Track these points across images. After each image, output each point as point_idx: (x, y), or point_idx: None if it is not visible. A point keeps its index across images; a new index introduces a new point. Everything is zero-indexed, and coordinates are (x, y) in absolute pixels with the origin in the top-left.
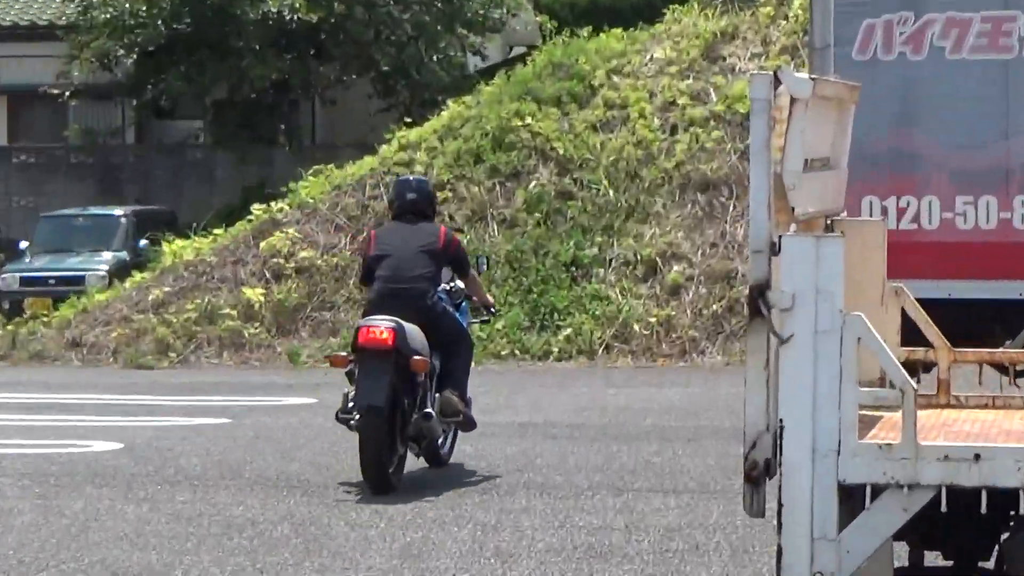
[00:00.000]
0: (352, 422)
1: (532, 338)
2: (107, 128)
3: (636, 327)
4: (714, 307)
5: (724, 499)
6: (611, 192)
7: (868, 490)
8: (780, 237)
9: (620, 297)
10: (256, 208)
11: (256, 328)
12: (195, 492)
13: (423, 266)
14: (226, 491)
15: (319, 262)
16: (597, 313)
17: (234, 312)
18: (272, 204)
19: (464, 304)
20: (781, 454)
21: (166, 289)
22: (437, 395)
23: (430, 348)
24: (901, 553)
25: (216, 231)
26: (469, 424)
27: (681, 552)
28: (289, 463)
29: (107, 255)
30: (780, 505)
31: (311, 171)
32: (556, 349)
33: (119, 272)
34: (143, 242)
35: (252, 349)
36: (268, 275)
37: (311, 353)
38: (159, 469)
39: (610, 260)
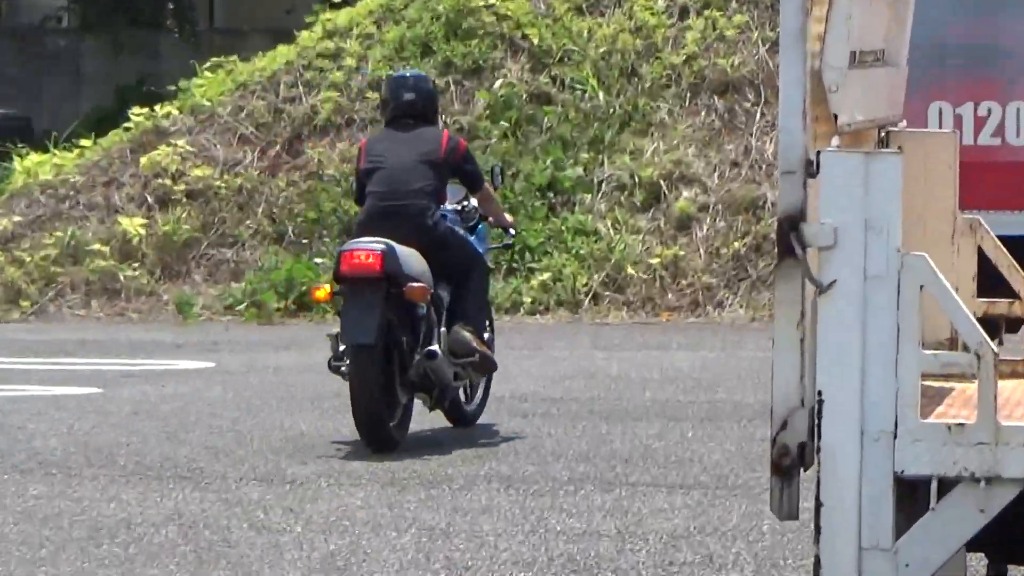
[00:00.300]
0: (344, 368)
1: (496, 285)
2: None
3: (633, 271)
4: (735, 245)
5: (746, 497)
6: (601, 95)
7: (934, 485)
8: (819, 154)
9: (612, 232)
10: (135, 113)
11: (135, 270)
12: (53, 484)
13: (421, 179)
14: (94, 483)
15: (218, 184)
16: (582, 252)
17: (106, 249)
18: (156, 108)
19: (481, 227)
20: (820, 437)
21: (16, 219)
22: (445, 331)
23: (437, 279)
24: (978, 567)
25: (83, 143)
26: (487, 365)
27: (690, 566)
28: (177, 447)
29: None
30: (818, 504)
31: (207, 65)
32: (528, 299)
33: None
34: None
35: (130, 297)
36: (151, 201)
37: (207, 303)
38: (6, 454)
39: (599, 183)
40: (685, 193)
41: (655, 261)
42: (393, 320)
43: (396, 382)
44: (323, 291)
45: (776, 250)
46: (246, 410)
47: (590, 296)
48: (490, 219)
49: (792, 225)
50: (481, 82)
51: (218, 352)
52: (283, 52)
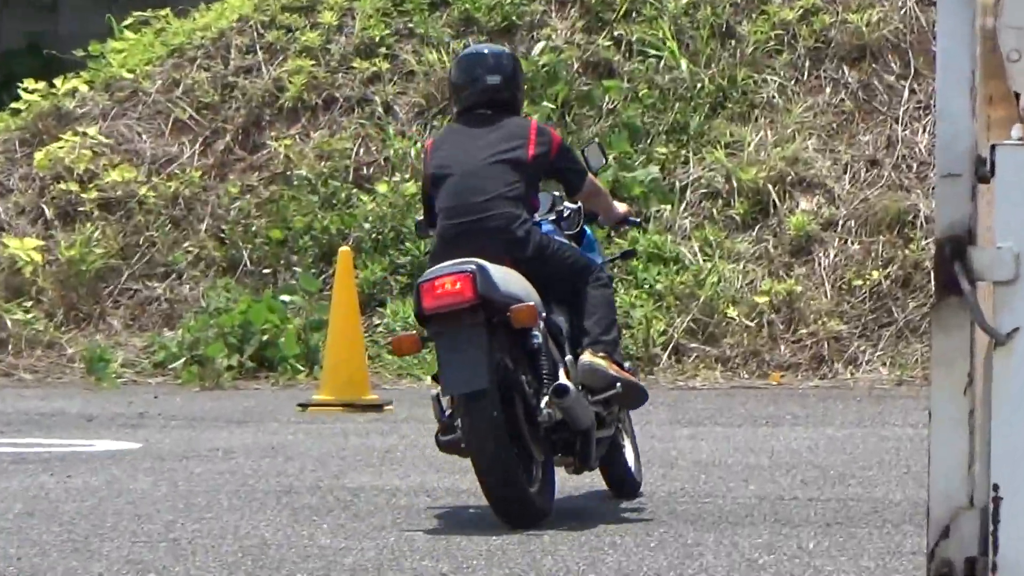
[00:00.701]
0: (459, 435)
1: None
2: None
3: (730, 314)
4: (873, 277)
5: None
6: (684, 64)
7: None
8: (993, 148)
9: (701, 259)
10: (26, 89)
11: (28, 312)
12: None
13: (502, 183)
14: None
15: (144, 191)
16: (658, 287)
17: None
18: (56, 82)
19: (588, 233)
20: (996, 551)
21: None
22: (572, 359)
23: (547, 302)
24: None
25: None
26: (635, 394)
27: None
28: (88, 561)
29: None
30: None
31: (128, 22)
32: None
33: None
34: None
35: (21, 349)
36: (50, 214)
37: (130, 359)
38: None
39: (682, 189)
40: (803, 204)
41: (761, 300)
42: (505, 358)
43: (526, 435)
44: (409, 340)
45: (933, 285)
46: (185, 510)
47: (670, 349)
48: (600, 218)
49: (956, 250)
50: (515, 46)
51: (145, 428)
52: (234, 4)
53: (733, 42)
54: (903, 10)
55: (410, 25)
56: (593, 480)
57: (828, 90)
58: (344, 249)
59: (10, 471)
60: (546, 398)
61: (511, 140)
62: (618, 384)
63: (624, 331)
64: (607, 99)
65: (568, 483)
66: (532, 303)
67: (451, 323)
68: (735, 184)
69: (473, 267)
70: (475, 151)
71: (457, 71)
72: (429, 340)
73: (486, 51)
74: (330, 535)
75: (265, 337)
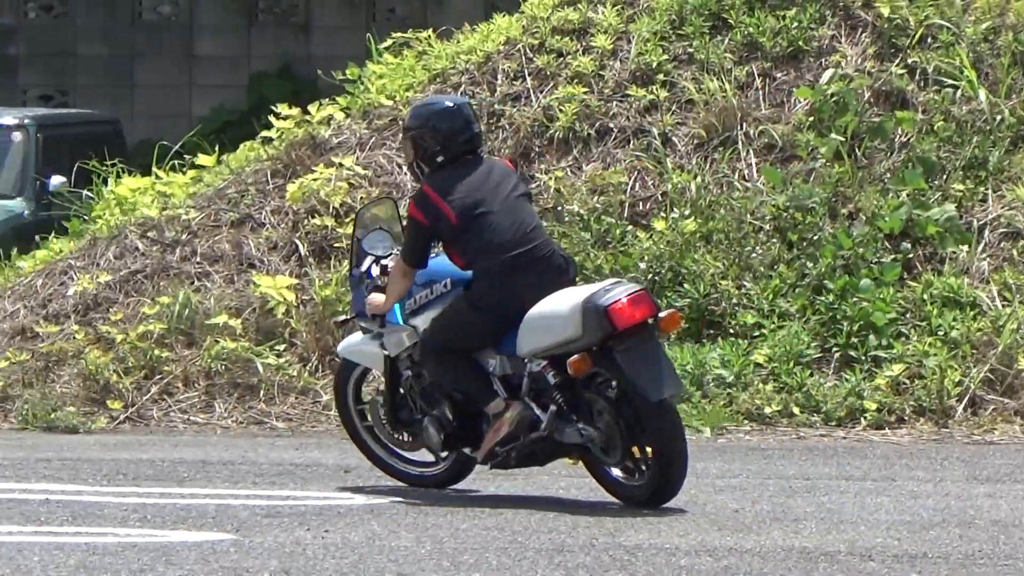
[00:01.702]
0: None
1: (820, 383)
2: None
3: None
4: None
5: None
6: (982, 94)
7: None
8: None
9: (1000, 304)
10: (280, 116)
11: (280, 356)
12: None
13: (531, 216)
14: None
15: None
16: (954, 335)
17: (236, 323)
18: (311, 108)
19: None
20: None
21: (103, 277)
22: None
23: None
24: None
25: (201, 160)
26: None
27: None
28: None
29: None
30: None
31: (387, 44)
32: (872, 405)
33: (9, 238)
34: (56, 180)
35: (273, 396)
36: (304, 250)
37: None
38: None
39: (980, 229)
40: None
41: None
42: None
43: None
44: (584, 360)
45: None
46: (451, 569)
47: (966, 400)
48: None
49: None
50: (801, 73)
51: None
52: (501, 26)
53: None
54: None
55: (689, 50)
56: None
57: None
58: None
59: (264, 525)
60: None
61: (510, 178)
62: None
63: (916, 381)
64: (900, 132)
65: None
66: (674, 310)
67: (639, 335)
68: None
69: (641, 286)
70: (494, 190)
71: (448, 120)
72: (619, 353)
73: (459, 102)
74: None
75: None
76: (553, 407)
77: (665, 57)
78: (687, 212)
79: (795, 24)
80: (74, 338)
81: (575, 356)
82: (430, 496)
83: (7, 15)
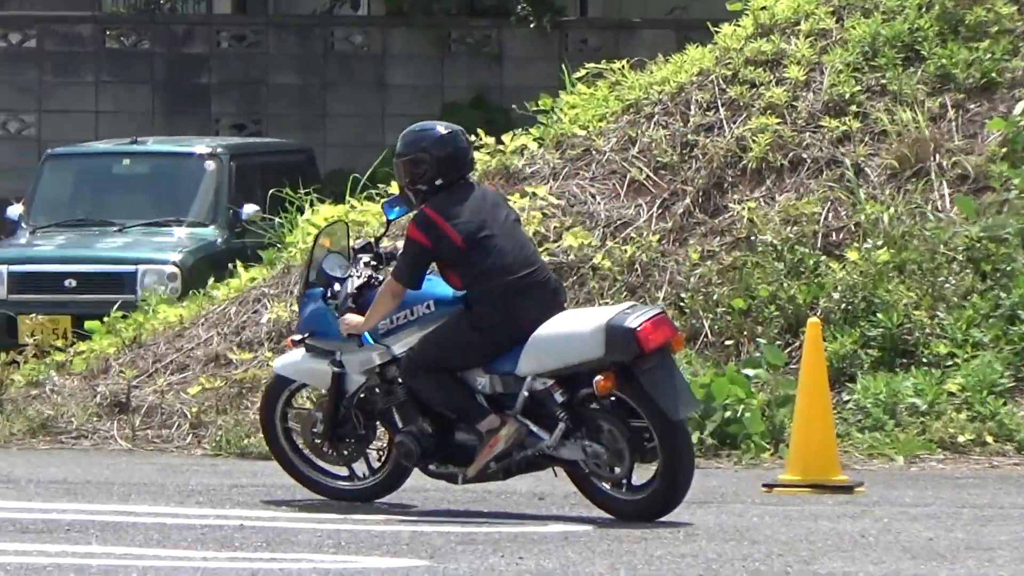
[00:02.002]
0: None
1: (1014, 412)
2: None
3: None
4: None
5: None
6: None
7: None
8: None
9: None
10: (472, 146)
11: None
12: None
13: (528, 240)
14: None
15: (599, 256)
16: None
17: None
18: (504, 138)
19: None
20: None
21: (297, 305)
22: None
23: None
24: None
25: (395, 190)
26: None
27: None
28: None
29: (179, 234)
30: None
31: (580, 74)
32: None
33: (203, 266)
34: (249, 209)
35: None
36: None
37: None
38: None
39: None
40: None
41: None
42: None
43: None
44: (610, 379)
45: None
46: None
47: None
48: None
49: None
50: (995, 104)
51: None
52: (694, 57)
53: None
54: None
55: (882, 81)
56: None
57: None
58: (813, 320)
59: (458, 552)
60: None
61: (502, 203)
62: None
63: None
64: None
65: None
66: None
67: (658, 356)
68: None
69: (661, 309)
70: (492, 213)
71: (451, 146)
72: (645, 371)
73: (450, 128)
74: None
75: (728, 413)
76: (562, 425)
77: (858, 88)
78: (880, 242)
79: (988, 56)
80: (267, 365)
81: (602, 376)
82: (624, 523)
83: (200, 45)
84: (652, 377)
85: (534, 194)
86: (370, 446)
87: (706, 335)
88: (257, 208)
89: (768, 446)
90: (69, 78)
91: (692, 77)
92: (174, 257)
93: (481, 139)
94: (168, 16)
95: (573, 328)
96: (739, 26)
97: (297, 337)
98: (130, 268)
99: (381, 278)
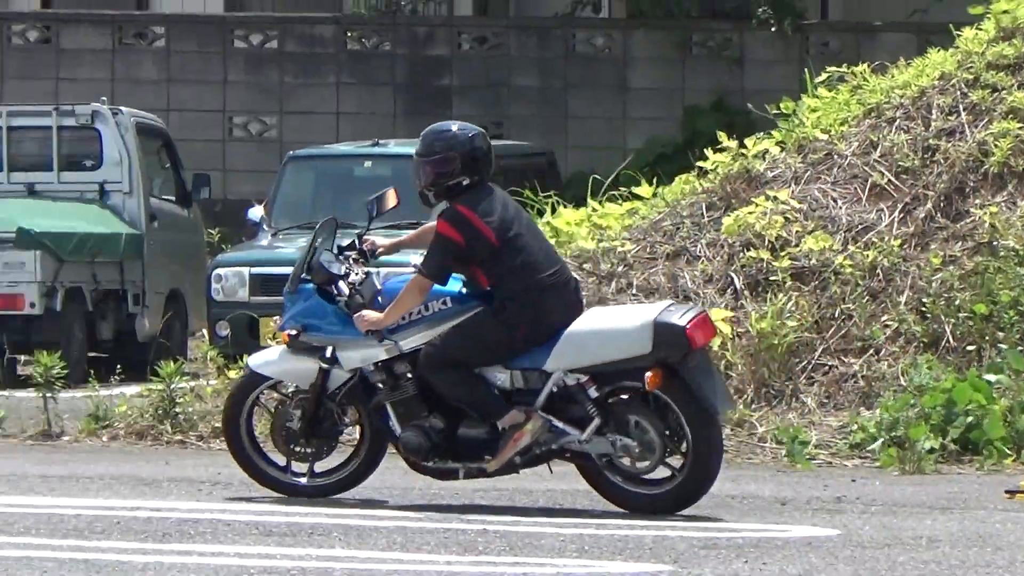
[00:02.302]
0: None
1: None
2: None
3: None
4: None
5: None
6: None
7: None
8: None
9: None
10: (714, 149)
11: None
12: None
13: (550, 244)
14: None
15: (841, 260)
16: None
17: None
18: (746, 142)
19: None
20: None
21: None
22: None
23: None
24: None
25: (637, 191)
26: None
27: None
28: None
29: None
30: None
31: (822, 78)
32: None
33: None
34: None
35: None
36: (739, 284)
37: (824, 438)
38: None
39: None
40: None
41: None
42: None
43: None
44: (658, 375)
45: None
46: None
47: None
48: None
49: None
50: None
51: (843, 513)
52: (935, 60)
53: None
54: None
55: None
56: None
57: None
58: None
59: (701, 557)
60: None
61: (514, 203)
62: None
63: None
64: None
65: None
66: None
67: (702, 354)
68: None
69: (702, 308)
70: (516, 213)
71: (479, 147)
72: (694, 368)
73: (472, 128)
74: None
75: (970, 419)
76: (597, 420)
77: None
78: None
79: None
80: None
81: (651, 371)
82: (867, 528)
83: (441, 47)
84: (695, 373)
85: (775, 198)
86: (338, 443)
87: (947, 340)
88: None
89: (1010, 452)
90: (310, 80)
91: (933, 81)
92: (414, 259)
93: (723, 142)
94: (409, 18)
95: (616, 324)
96: (981, 30)
97: (293, 332)
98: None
99: (373, 275)
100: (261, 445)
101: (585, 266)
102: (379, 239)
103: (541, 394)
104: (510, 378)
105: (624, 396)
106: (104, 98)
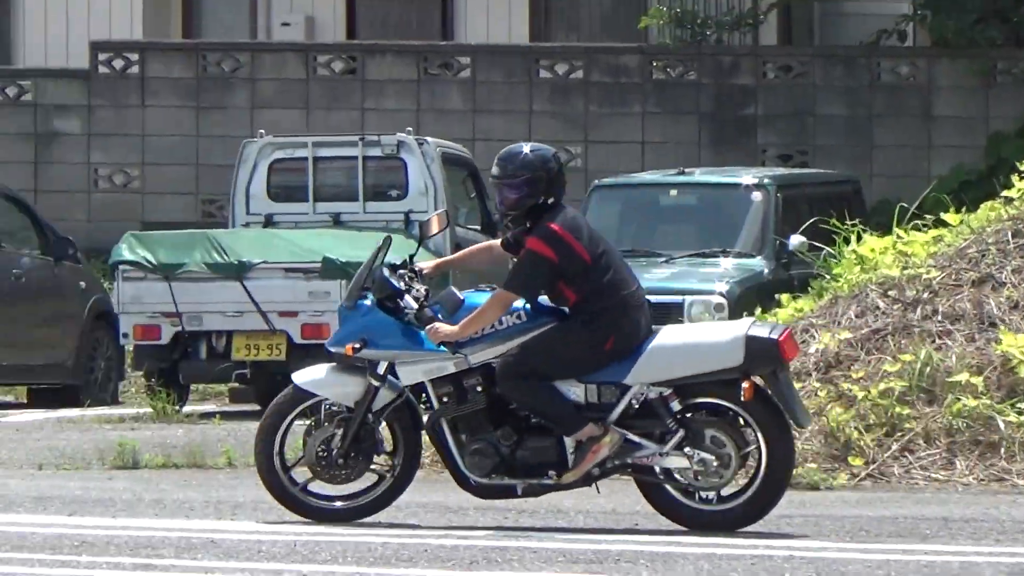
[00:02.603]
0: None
1: None
2: (720, 12)
3: None
4: None
5: None
6: None
7: None
8: None
9: None
10: (1021, 178)
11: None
12: None
13: None
14: None
15: None
16: None
17: (978, 381)
18: None
19: None
20: None
21: (843, 335)
22: None
23: None
24: None
25: (944, 219)
26: None
27: None
28: None
29: (725, 264)
30: None
31: None
32: None
33: (749, 296)
34: (796, 240)
35: (1014, 454)
36: None
37: None
38: None
39: None
40: None
41: None
42: None
43: None
44: (752, 386)
45: None
46: None
47: None
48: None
49: None
50: None
51: None
52: None
53: None
54: None
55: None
56: None
57: None
58: None
59: None
60: None
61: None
62: None
63: None
64: None
65: None
66: None
67: (785, 370)
68: None
69: (786, 325)
70: (597, 232)
71: (556, 166)
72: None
73: (553, 149)
74: None
75: None
76: (680, 432)
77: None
78: None
79: None
80: (816, 395)
81: (747, 383)
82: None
83: (746, 76)
84: (780, 387)
85: None
86: (371, 465)
87: None
88: (804, 239)
89: None
90: (615, 109)
91: None
92: (720, 287)
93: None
94: (715, 48)
95: (706, 338)
96: None
97: (357, 345)
98: (677, 299)
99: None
100: (289, 465)
101: (890, 293)
102: (420, 261)
103: (617, 408)
104: (584, 392)
105: (702, 411)
106: (410, 128)
